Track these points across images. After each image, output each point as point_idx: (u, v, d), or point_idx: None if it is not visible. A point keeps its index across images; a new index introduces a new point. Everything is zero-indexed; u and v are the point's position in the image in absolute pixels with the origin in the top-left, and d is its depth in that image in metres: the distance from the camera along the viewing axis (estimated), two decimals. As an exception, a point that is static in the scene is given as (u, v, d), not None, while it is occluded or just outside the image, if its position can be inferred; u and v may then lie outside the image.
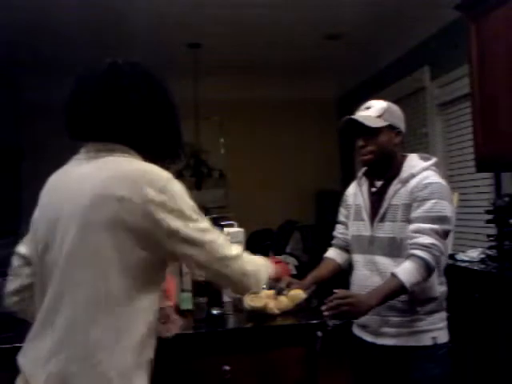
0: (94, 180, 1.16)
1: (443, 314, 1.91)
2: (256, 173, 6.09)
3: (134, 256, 1.13)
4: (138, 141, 1.24)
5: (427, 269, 1.73)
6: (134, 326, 1.14)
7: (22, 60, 4.83)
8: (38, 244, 1.22)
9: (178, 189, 1.18)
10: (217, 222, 1.71)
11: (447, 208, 1.80)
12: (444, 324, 1.90)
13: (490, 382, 2.62)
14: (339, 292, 1.68)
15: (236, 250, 1.28)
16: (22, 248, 1.33)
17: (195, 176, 5.27)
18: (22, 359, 1.20)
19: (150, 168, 1.18)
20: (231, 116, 6.06)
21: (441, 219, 1.78)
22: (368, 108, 1.93)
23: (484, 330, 2.64)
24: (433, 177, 1.85)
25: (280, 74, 5.59)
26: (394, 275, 1.72)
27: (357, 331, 2.02)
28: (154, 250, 1.16)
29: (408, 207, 1.84)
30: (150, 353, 1.20)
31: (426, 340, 1.84)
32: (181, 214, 1.16)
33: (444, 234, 1.78)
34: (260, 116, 6.19)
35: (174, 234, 1.16)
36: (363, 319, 1.95)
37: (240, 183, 5.95)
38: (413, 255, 1.74)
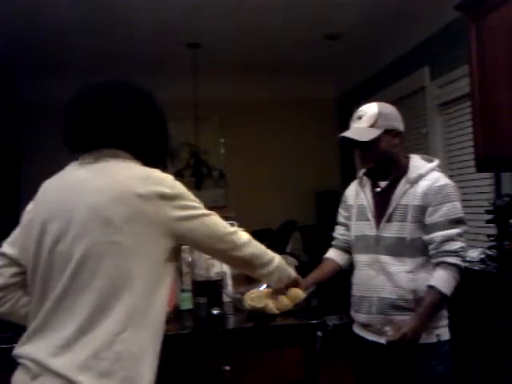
0: (108, 180, 1.27)
1: (445, 312, 1.92)
2: (256, 173, 6.08)
3: (154, 246, 1.26)
4: (130, 150, 1.35)
5: (460, 272, 1.83)
6: (153, 311, 1.24)
7: (22, 60, 4.83)
8: (41, 243, 1.25)
9: (182, 186, 1.34)
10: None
11: (460, 208, 1.88)
12: (446, 321, 1.92)
13: (490, 382, 2.62)
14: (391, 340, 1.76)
15: (234, 228, 1.45)
16: (8, 249, 1.36)
17: (195, 176, 5.27)
18: (28, 351, 1.20)
19: (155, 171, 1.32)
20: (231, 116, 6.06)
21: (459, 221, 1.86)
22: (360, 117, 1.94)
23: (484, 330, 2.64)
24: (443, 178, 1.90)
25: (280, 74, 5.58)
26: (432, 287, 1.80)
27: (358, 330, 2.02)
28: (170, 240, 1.29)
29: (420, 208, 1.86)
30: (160, 341, 1.27)
31: (430, 337, 1.85)
32: (189, 206, 1.33)
33: (463, 234, 1.88)
34: (260, 116, 6.19)
35: (184, 221, 1.31)
36: (365, 319, 1.95)
37: (240, 183, 5.95)
38: (444, 262, 1.82)
